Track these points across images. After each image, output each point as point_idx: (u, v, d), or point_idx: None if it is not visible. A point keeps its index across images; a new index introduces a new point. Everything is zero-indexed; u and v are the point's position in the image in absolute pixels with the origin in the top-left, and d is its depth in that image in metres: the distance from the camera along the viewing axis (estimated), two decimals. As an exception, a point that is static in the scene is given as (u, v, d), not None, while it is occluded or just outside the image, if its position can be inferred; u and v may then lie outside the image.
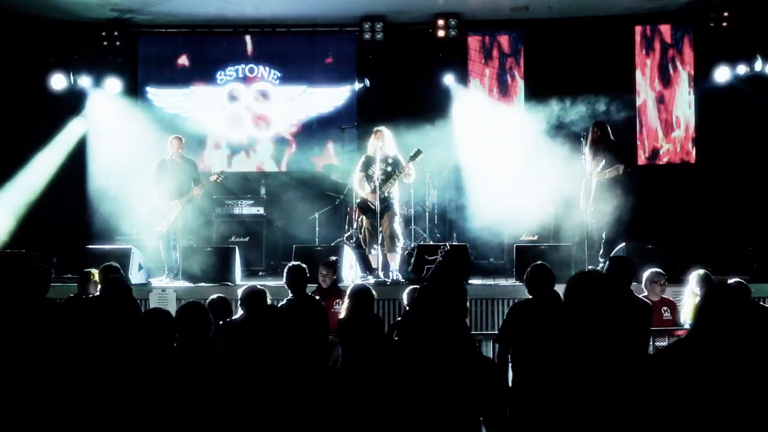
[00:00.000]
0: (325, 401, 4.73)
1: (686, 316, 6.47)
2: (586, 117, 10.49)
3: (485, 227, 10.35)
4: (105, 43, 11.63)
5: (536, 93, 11.35)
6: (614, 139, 9.16)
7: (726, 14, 11.01)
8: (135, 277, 8.94)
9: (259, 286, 5.96)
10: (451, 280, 3.81)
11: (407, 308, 6.27)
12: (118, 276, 6.74)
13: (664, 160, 11.69)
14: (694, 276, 6.42)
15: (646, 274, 6.82)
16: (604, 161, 8.88)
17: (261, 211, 11.16)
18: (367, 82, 11.64)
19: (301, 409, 4.66)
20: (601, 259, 8.80)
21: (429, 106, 11.41)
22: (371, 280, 8.83)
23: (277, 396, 4.67)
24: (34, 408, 4.31)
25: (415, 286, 6.31)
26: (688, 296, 6.47)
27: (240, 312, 5.91)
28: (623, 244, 8.76)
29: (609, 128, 9.17)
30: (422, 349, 3.33)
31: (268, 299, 5.89)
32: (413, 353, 3.35)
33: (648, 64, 11.71)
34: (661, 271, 6.86)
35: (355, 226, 10.14)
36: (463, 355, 3.34)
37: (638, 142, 11.60)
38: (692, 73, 11.57)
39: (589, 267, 8.34)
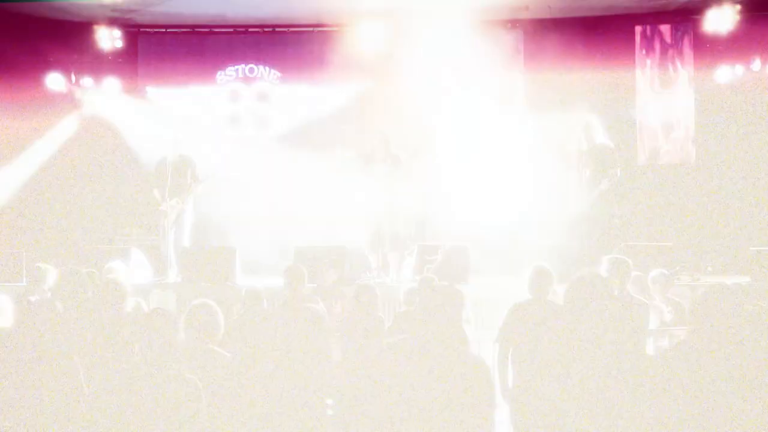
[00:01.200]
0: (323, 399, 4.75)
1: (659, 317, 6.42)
2: (585, 117, 10.48)
3: (485, 227, 10.33)
4: (105, 43, 11.63)
5: (536, 92, 11.33)
6: (605, 140, 9.19)
7: (726, 14, 10.99)
8: (135, 277, 8.94)
9: (256, 286, 5.97)
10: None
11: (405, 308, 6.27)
12: (118, 276, 6.74)
13: (664, 160, 11.68)
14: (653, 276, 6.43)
15: (647, 274, 6.83)
16: (596, 161, 8.92)
17: (261, 211, 11.15)
18: (367, 82, 11.62)
19: (300, 408, 4.66)
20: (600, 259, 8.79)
21: (429, 106, 11.39)
22: (371, 280, 8.83)
23: (276, 395, 4.68)
24: (36, 407, 4.33)
25: (412, 286, 6.32)
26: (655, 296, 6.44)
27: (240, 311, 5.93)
28: (622, 244, 8.76)
29: (600, 127, 9.20)
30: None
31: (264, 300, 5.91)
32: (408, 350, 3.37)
33: (648, 64, 11.70)
34: (661, 271, 6.87)
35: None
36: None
37: (638, 142, 11.59)
38: (692, 73, 11.56)
39: (588, 268, 8.33)
